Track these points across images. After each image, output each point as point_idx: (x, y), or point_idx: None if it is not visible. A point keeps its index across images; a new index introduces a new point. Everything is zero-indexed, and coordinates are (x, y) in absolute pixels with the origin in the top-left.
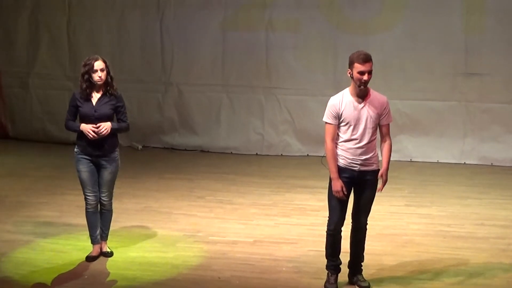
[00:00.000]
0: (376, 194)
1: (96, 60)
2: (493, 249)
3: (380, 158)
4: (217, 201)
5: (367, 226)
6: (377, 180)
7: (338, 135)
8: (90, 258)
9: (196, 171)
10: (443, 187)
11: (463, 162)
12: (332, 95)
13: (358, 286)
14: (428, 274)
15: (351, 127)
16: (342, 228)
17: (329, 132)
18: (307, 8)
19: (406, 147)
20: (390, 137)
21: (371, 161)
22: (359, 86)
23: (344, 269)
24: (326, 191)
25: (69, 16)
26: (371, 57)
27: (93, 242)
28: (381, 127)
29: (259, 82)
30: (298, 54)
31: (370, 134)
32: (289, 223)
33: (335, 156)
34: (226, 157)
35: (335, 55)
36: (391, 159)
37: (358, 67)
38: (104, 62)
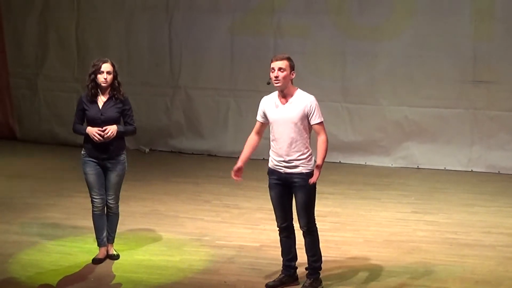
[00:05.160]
0: (383, 201)
1: (105, 62)
2: (500, 257)
3: (312, 161)
4: (223, 205)
5: (314, 232)
6: (308, 183)
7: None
8: (96, 261)
9: (203, 175)
10: (450, 194)
11: (470, 170)
12: (340, 101)
13: None
14: (434, 281)
15: (273, 127)
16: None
17: (255, 126)
18: (316, 13)
19: (413, 154)
20: (324, 134)
21: (295, 164)
22: (269, 83)
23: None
24: (333, 196)
25: (78, 18)
26: (286, 57)
27: (100, 244)
28: (313, 127)
29: (267, 86)
30: (306, 60)
31: (293, 135)
32: (295, 228)
33: (249, 144)
34: (233, 162)
35: (343, 61)
36: (399, 165)
37: (270, 65)
38: (113, 65)
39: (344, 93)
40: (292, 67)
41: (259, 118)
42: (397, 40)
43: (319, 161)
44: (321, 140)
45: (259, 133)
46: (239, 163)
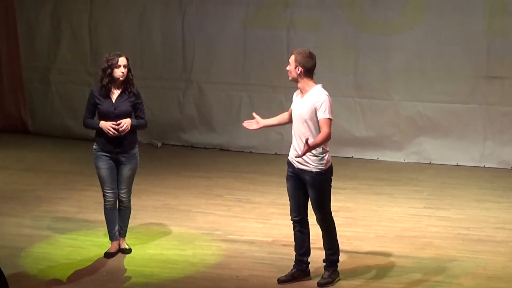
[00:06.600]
0: (395, 196)
1: (120, 56)
2: None
3: (325, 161)
4: (235, 200)
5: (330, 227)
6: (318, 183)
7: None
8: (108, 255)
9: (215, 170)
10: (463, 190)
11: (482, 165)
12: (352, 96)
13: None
14: (446, 277)
15: (292, 121)
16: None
17: None
18: (329, 7)
19: (426, 149)
20: (327, 129)
21: (307, 161)
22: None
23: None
24: (346, 191)
25: (91, 12)
26: (295, 52)
27: (112, 238)
28: (318, 122)
29: (280, 81)
30: (319, 54)
31: (303, 131)
32: (310, 223)
33: (278, 116)
34: (245, 156)
35: (356, 55)
36: (411, 161)
37: None
38: (127, 59)
39: (356, 87)
40: (298, 62)
41: (292, 104)
42: (410, 35)
43: (311, 142)
44: (322, 132)
45: (289, 115)
46: (262, 119)
